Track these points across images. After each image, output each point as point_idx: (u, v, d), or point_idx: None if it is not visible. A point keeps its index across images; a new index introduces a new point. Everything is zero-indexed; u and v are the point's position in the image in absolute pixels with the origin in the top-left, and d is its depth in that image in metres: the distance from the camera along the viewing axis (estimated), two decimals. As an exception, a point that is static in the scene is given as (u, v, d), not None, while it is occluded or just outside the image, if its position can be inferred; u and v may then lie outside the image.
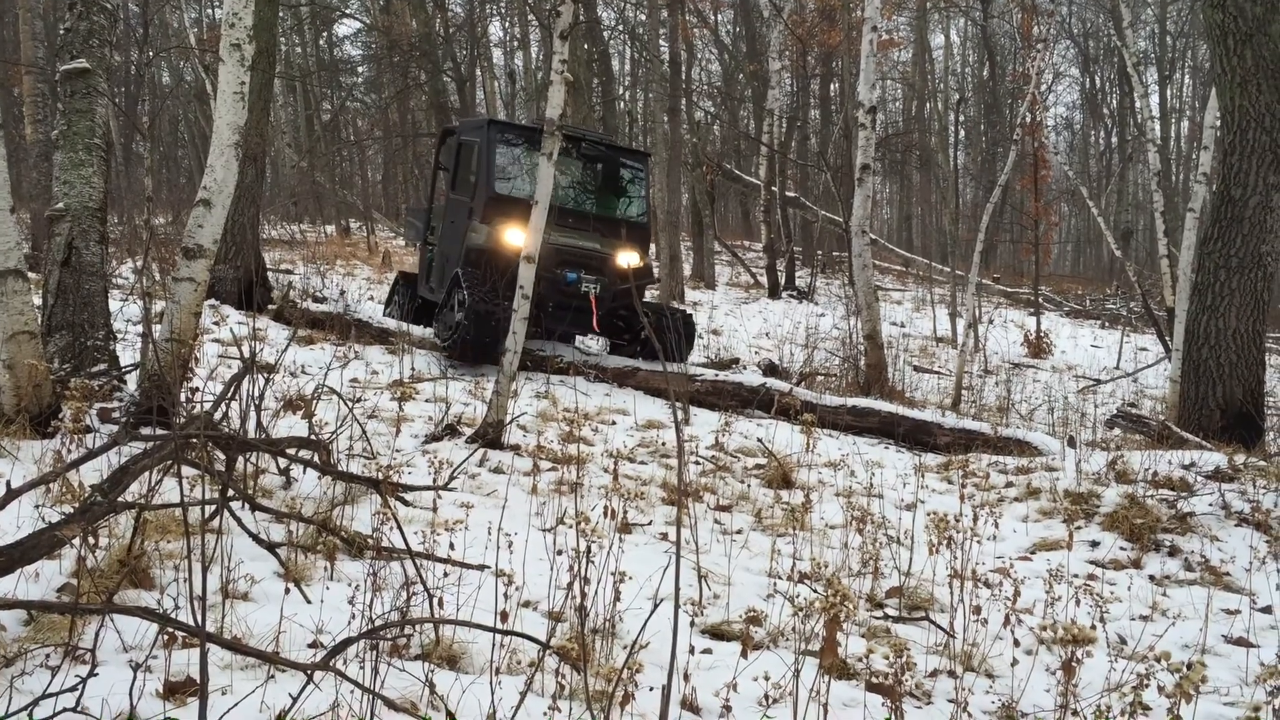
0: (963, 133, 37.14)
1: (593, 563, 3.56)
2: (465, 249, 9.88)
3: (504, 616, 3.51)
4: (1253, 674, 4.09)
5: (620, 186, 11.06)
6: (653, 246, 13.09)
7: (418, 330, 10.33)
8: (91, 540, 3.63)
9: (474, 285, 9.19)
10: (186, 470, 4.31)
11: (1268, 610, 4.87)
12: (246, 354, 5.59)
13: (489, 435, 6.66)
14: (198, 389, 5.89)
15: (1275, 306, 17.59)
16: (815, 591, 4.41)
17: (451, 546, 4.16)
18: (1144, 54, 34.96)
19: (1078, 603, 4.25)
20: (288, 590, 3.58)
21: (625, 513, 5.21)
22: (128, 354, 7.05)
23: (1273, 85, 8.17)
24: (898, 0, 29.25)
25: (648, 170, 11.36)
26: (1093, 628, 3.00)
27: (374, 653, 3.06)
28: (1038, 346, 18.42)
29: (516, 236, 9.31)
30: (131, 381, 6.25)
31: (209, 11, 29.59)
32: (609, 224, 10.50)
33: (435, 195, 11.76)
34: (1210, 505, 6.26)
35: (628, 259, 10.10)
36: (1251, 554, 5.42)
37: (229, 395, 5.30)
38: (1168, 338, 13.39)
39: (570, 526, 4.66)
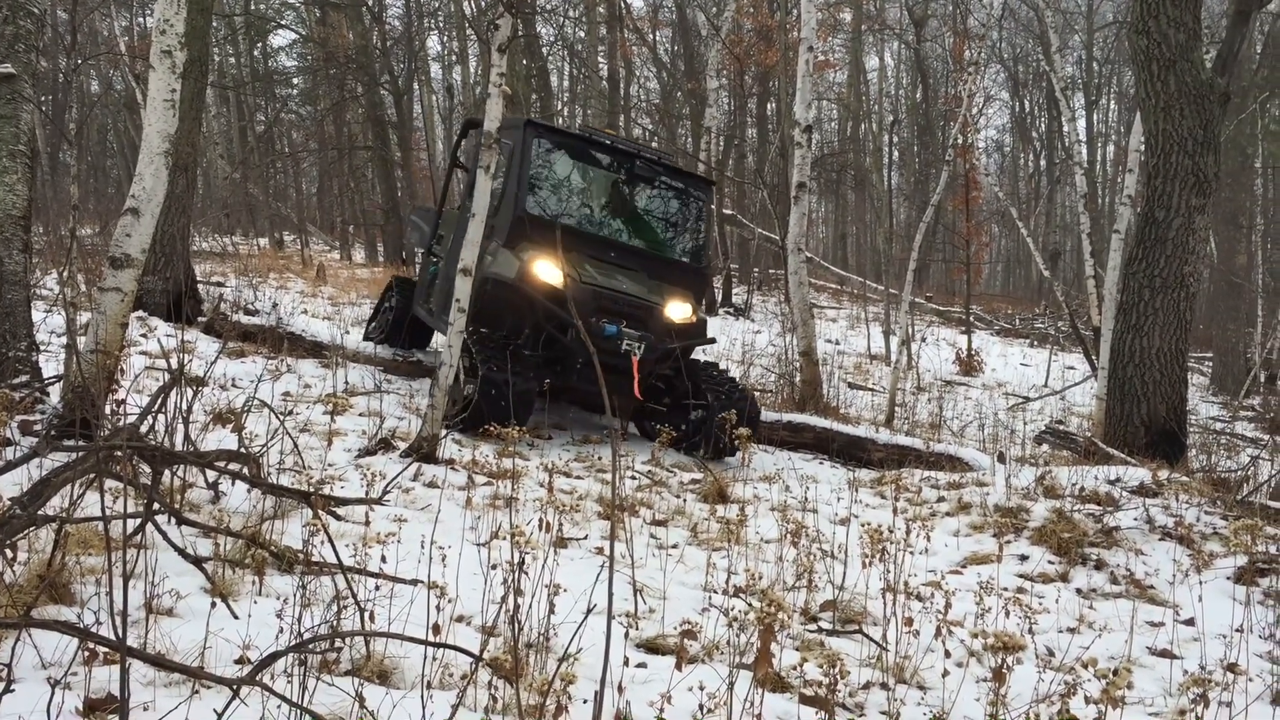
0: (896, 153, 37.73)
1: (527, 575, 3.53)
2: (482, 278, 8.13)
3: (436, 630, 3.47)
4: (1176, 684, 4.17)
5: (678, 219, 9.23)
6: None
7: (352, 343, 10.18)
8: (10, 554, 3.53)
9: (485, 348, 7.70)
10: (111, 483, 4.21)
11: (1190, 622, 4.98)
12: (174, 366, 5.49)
13: (423, 449, 6.60)
14: (123, 401, 5.76)
15: (1197, 326, 18.05)
16: (750, 605, 4.42)
17: (383, 560, 4.11)
18: (1071, 79, 35.77)
19: (1007, 615, 4.31)
20: (214, 605, 3.51)
21: (560, 526, 5.19)
22: (51, 366, 6.89)
23: (1195, 110, 8.40)
24: (833, 23, 29.66)
25: (712, 202, 9.47)
26: (1023, 639, 3.04)
27: (303, 667, 3.00)
28: (969, 364, 18.71)
29: (549, 271, 7.93)
30: (55, 394, 6.10)
31: (139, 20, 29.12)
32: (660, 265, 8.74)
33: (448, 198, 10.29)
34: (1135, 520, 6.39)
35: (679, 311, 8.30)
36: (1175, 567, 5.54)
37: (155, 408, 5.19)
38: (1094, 356, 13.67)
39: (505, 540, 4.62)
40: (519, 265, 7.94)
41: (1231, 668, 4.22)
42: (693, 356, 8.92)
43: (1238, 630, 4.68)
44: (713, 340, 9.07)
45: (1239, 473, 8.54)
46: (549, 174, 8.69)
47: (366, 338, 10.77)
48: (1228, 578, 5.50)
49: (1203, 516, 6.45)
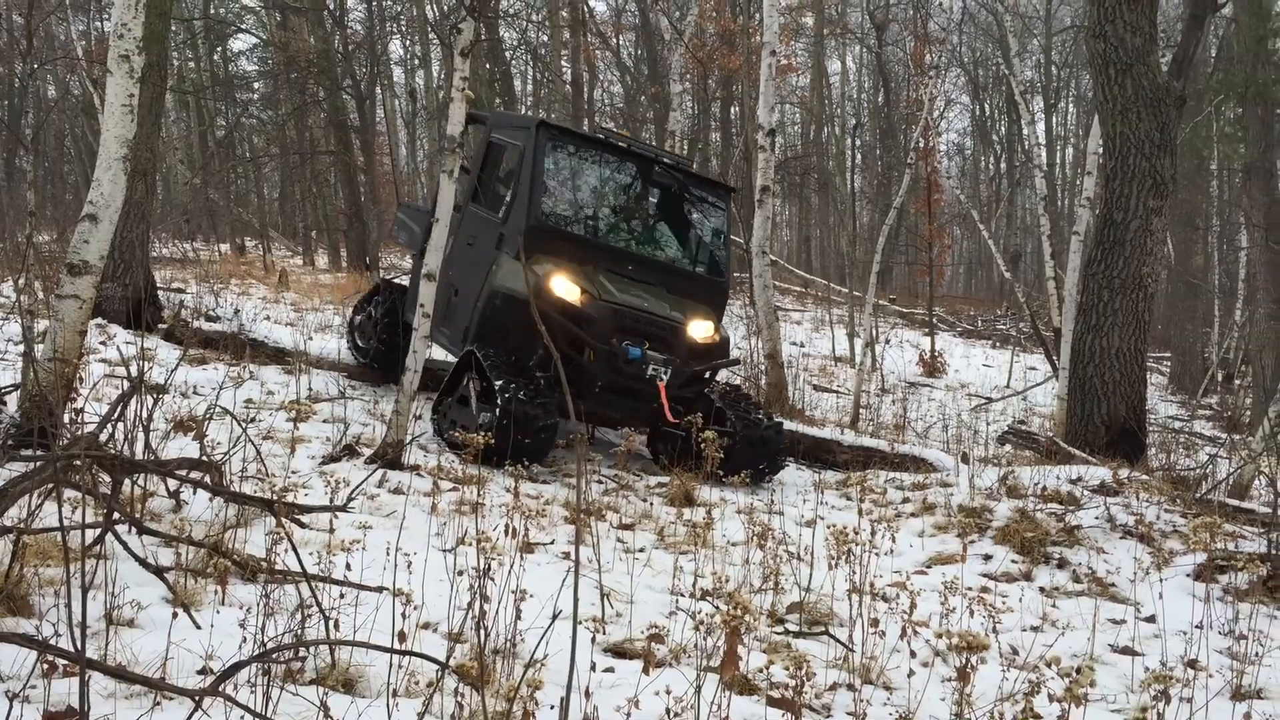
0: (859, 156, 37.91)
1: (493, 581, 3.52)
2: (490, 291, 7.68)
3: (402, 637, 3.45)
4: (1138, 681, 4.21)
5: (697, 229, 8.63)
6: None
7: (316, 349, 10.08)
8: (-34, 567, 3.47)
9: (503, 372, 7.05)
10: (69, 493, 4.15)
11: (1152, 619, 5.04)
12: (134, 374, 5.42)
13: (388, 455, 6.56)
14: (82, 410, 5.69)
15: (1155, 326, 18.29)
16: (717, 608, 4.43)
17: (348, 568, 4.08)
18: (1031, 83, 36.14)
19: (971, 614, 4.34)
20: (176, 615, 3.46)
21: (527, 532, 5.17)
22: (8, 374, 6.79)
23: (1152, 113, 8.51)
24: (795, 27, 29.80)
25: (730, 210, 8.84)
26: (987, 638, 3.07)
27: (266, 677, 2.97)
28: (932, 366, 18.85)
29: (566, 287, 7.38)
30: (12, 403, 6.01)
31: (97, 24, 28.79)
32: (679, 279, 8.19)
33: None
34: (1096, 518, 6.46)
35: (701, 330, 7.77)
36: (1136, 565, 5.60)
37: (115, 416, 5.13)
38: (1055, 357, 13.82)
39: (471, 546, 4.61)
40: (533, 280, 7.37)
41: (1192, 664, 4.28)
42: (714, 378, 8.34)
43: (1198, 627, 4.73)
44: (737, 361, 8.44)
45: (1198, 471, 8.66)
46: (563, 180, 8.12)
47: (355, 353, 9.89)
48: (1187, 575, 5.57)
49: (1163, 515, 6.53)
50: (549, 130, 8.02)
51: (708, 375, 7.97)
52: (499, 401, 6.81)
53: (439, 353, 8.80)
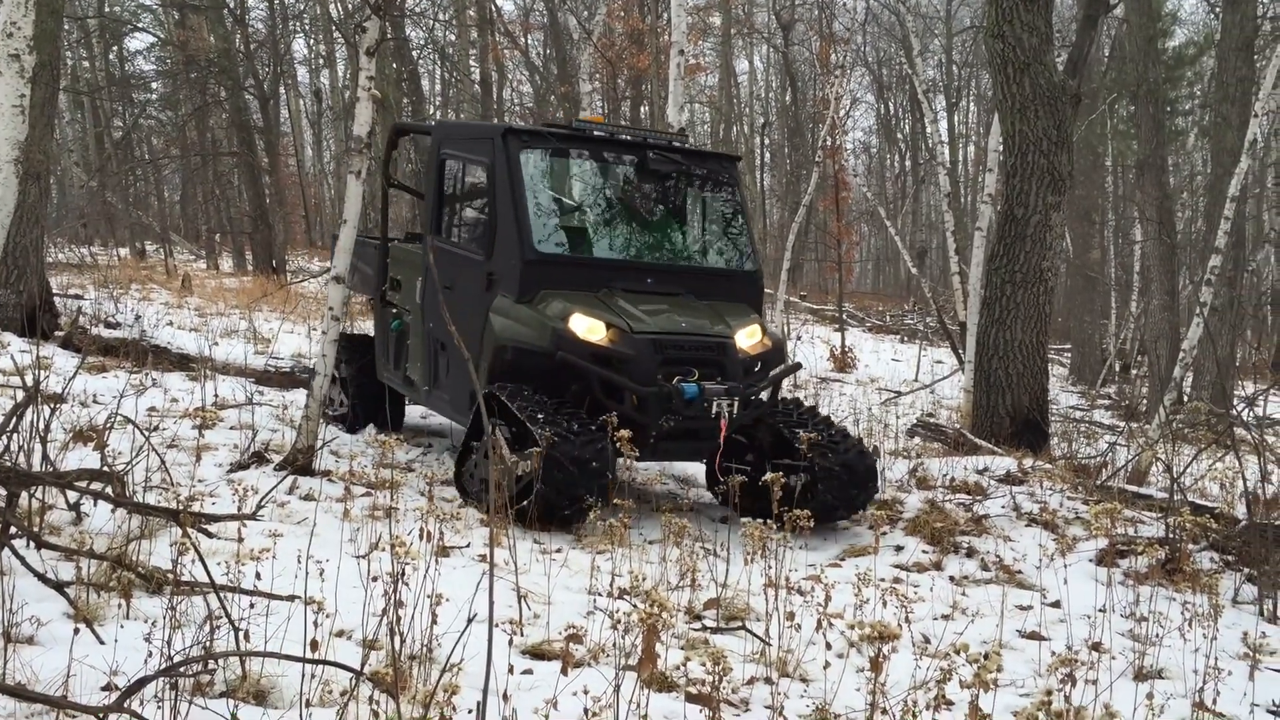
0: (768, 155, 38.35)
1: (408, 586, 3.48)
2: (495, 347, 6.43)
3: (314, 646, 3.39)
4: (1045, 665, 4.32)
5: (711, 215, 7.44)
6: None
7: (221, 354, 9.86)
8: None
9: (538, 410, 5.94)
10: (-38, 508, 4.00)
11: (1057, 605, 5.18)
12: (30, 382, 5.25)
13: (299, 461, 6.45)
14: (-25, 421, 5.49)
15: (1055, 319, 18.78)
16: (635, 606, 4.44)
17: (258, 577, 3.99)
18: (933, 82, 36.88)
19: (884, 605, 4.41)
20: (78, 631, 3.36)
21: (442, 535, 5.12)
22: (-106, 386, 6.52)
23: (1049, 111, 8.75)
24: (703, 27, 30.00)
25: (741, 183, 7.58)
26: (899, 628, 3.12)
27: (174, 692, 2.90)
28: (843, 361, 19.11)
29: (590, 327, 6.17)
30: (-102, 415, 5.77)
31: (-15, 21, 27.78)
32: (708, 279, 7.02)
33: (390, 223, 8.22)
34: (1003, 507, 6.61)
35: (749, 337, 6.54)
36: (1041, 552, 5.75)
37: (9, 426, 4.96)
38: (961, 350, 14.11)
39: (385, 551, 4.55)
40: (550, 327, 6.15)
41: (1096, 647, 4.41)
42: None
43: (1101, 610, 4.88)
44: (799, 366, 7.34)
45: (1098, 459, 8.91)
46: (548, 194, 6.89)
47: (335, 424, 8.21)
48: (1090, 560, 5.74)
49: (1065, 502, 6.72)
50: (519, 138, 6.65)
51: (771, 390, 6.76)
52: (542, 447, 5.66)
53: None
